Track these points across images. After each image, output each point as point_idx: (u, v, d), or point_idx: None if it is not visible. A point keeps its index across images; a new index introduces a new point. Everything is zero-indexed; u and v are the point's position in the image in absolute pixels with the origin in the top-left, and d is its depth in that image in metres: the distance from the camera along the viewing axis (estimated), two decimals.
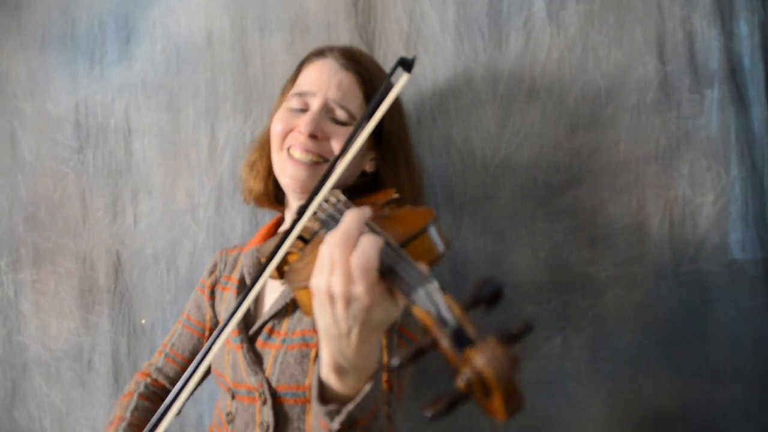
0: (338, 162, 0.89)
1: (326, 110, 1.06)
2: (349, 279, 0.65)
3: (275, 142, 1.09)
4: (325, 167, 1.05)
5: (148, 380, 1.23)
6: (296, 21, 1.35)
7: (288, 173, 1.07)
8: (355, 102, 1.07)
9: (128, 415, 1.16)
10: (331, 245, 0.67)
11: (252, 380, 1.03)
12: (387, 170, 1.13)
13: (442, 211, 1.30)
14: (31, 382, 1.46)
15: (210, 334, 1.23)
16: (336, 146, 1.06)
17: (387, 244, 0.68)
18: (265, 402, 1.02)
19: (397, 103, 1.13)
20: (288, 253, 0.91)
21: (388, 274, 0.66)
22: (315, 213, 0.93)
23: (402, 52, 1.30)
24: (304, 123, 1.04)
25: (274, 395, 1.02)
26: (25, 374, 1.46)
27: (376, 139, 1.09)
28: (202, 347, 1.17)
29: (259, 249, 1.11)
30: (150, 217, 1.42)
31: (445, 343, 0.56)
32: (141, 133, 1.42)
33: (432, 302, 0.60)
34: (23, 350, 1.46)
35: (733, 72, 1.24)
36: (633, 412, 1.28)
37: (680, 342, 1.27)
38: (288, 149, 1.07)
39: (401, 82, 0.86)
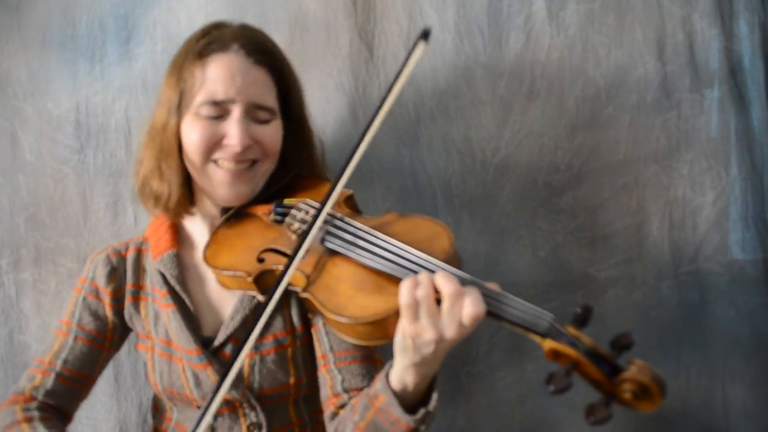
0: (351, 161, 0.92)
1: (246, 112, 1.00)
2: (461, 326, 0.75)
3: (197, 156, 1.01)
4: (256, 168, 1.03)
5: (37, 403, 1.07)
6: (296, 20, 1.35)
7: (224, 184, 1.02)
8: (272, 96, 1.04)
9: None
10: (427, 297, 0.75)
11: (233, 393, 1.00)
12: (291, 145, 1.10)
13: (442, 211, 1.30)
14: None
15: (110, 344, 1.13)
16: (267, 146, 1.03)
17: (482, 290, 0.77)
18: (252, 408, 1.03)
19: (296, 77, 1.09)
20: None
21: (493, 316, 0.77)
22: (298, 227, 0.99)
23: (402, 52, 1.30)
24: (234, 137, 0.98)
25: (259, 398, 1.02)
26: None
27: (285, 116, 1.07)
28: (101, 360, 1.12)
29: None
30: (150, 217, 1.41)
31: (596, 374, 0.71)
32: (141, 133, 1.42)
33: (566, 337, 0.73)
34: (25, 350, 1.45)
35: (733, 72, 1.24)
36: (633, 413, 1.27)
37: (680, 342, 1.27)
38: (215, 161, 1.02)
39: (418, 51, 0.95)
